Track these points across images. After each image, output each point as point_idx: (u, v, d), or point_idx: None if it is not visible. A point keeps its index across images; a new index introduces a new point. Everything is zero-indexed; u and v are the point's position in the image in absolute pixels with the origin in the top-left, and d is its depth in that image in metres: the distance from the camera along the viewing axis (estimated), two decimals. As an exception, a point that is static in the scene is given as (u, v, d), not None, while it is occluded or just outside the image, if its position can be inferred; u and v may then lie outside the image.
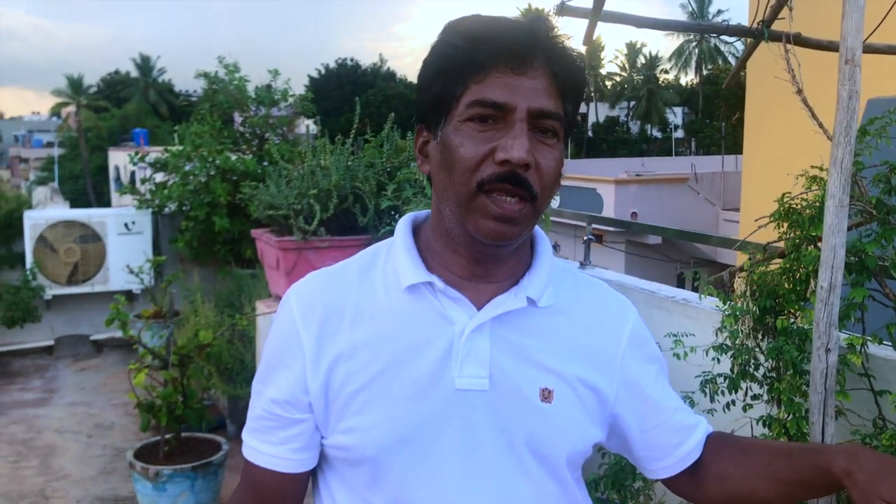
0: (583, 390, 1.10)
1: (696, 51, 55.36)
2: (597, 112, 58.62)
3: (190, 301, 4.62)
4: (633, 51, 59.36)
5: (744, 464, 1.16)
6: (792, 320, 2.39)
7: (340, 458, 1.08)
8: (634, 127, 56.68)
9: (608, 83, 59.62)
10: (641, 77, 57.32)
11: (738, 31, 2.49)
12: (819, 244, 2.37)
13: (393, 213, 3.50)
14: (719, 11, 55.56)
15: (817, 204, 2.34)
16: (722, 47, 54.73)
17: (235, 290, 4.95)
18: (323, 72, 50.68)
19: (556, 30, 1.02)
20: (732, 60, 54.02)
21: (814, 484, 1.07)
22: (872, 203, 2.27)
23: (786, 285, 2.41)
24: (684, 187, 16.44)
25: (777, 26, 2.46)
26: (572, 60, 1.03)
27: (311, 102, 6.31)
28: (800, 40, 2.40)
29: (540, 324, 1.10)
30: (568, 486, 1.11)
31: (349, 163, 3.55)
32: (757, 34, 2.48)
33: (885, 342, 2.42)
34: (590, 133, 54.01)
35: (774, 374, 2.41)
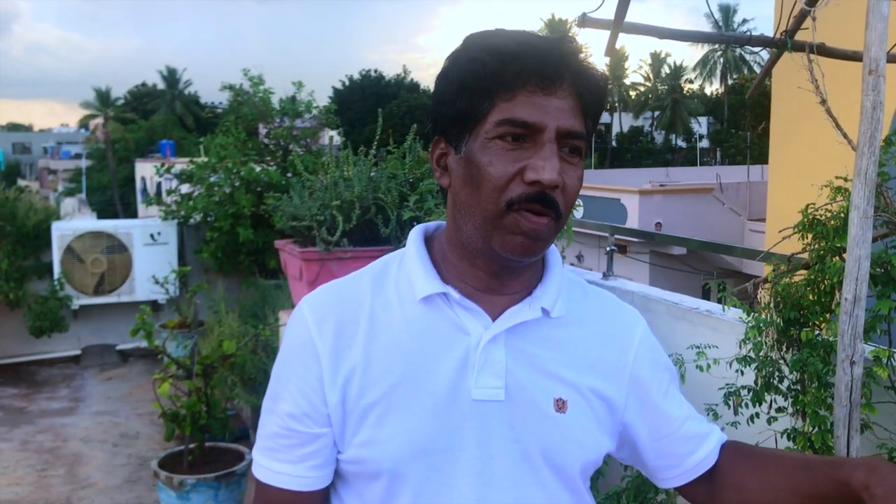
0: (595, 400, 1.11)
1: (721, 60, 55.09)
2: (621, 122, 58.45)
3: (214, 311, 4.66)
4: (657, 60, 59.17)
5: (761, 475, 1.16)
6: (817, 332, 2.37)
7: (356, 472, 1.08)
8: (658, 137, 56.44)
9: (632, 93, 59.45)
10: (666, 87, 57.10)
11: (760, 42, 2.48)
12: (843, 255, 2.35)
13: (414, 224, 3.51)
14: (744, 21, 55.24)
15: (842, 215, 2.32)
16: (747, 56, 54.42)
17: (259, 300, 4.98)
18: (347, 83, 50.99)
19: (582, 49, 1.03)
20: (758, 69, 53.65)
21: (831, 497, 1.06)
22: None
23: (810, 297, 2.39)
24: (709, 197, 16.34)
25: (801, 36, 2.45)
26: (597, 80, 1.04)
27: (335, 114, 6.36)
28: (823, 50, 2.39)
29: (552, 334, 1.11)
30: (581, 495, 1.12)
31: (372, 174, 3.57)
32: (780, 44, 2.47)
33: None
34: (614, 143, 53.86)
35: (799, 387, 2.39)
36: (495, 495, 1.05)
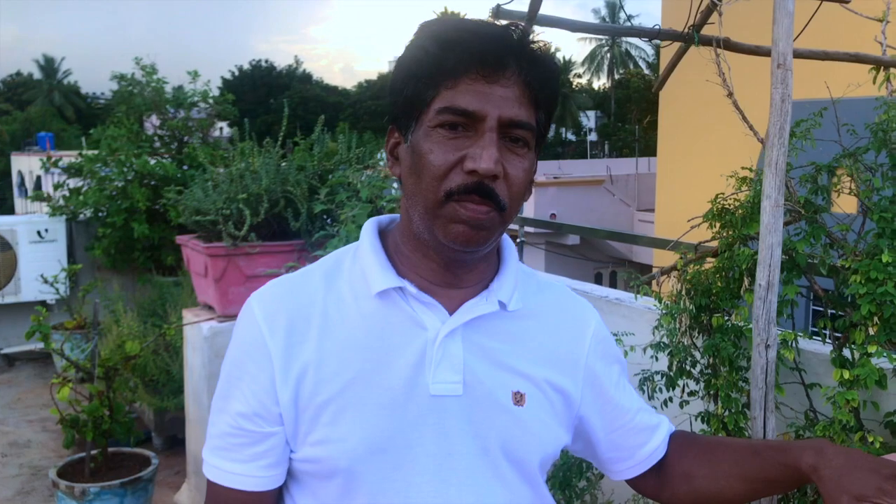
0: (552, 393, 1.10)
1: (609, 55, 56.61)
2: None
3: (111, 311, 4.45)
4: (547, 55, 60.16)
5: (710, 463, 1.17)
6: (727, 318, 2.45)
7: (310, 471, 1.04)
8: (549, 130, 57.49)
9: (523, 87, 60.27)
10: (556, 81, 58.14)
11: (669, 36, 2.54)
12: (750, 243, 2.44)
13: (325, 217, 3.45)
14: (629, 17, 56.93)
15: (749, 204, 2.40)
16: (633, 52, 56.13)
17: (157, 298, 4.79)
18: (237, 74, 49.84)
19: (530, 37, 1.01)
20: (643, 65, 55.47)
21: (781, 480, 1.08)
22: (801, 202, 2.34)
23: (719, 284, 2.47)
24: (601, 189, 16.81)
25: (707, 31, 2.52)
26: (547, 68, 1.01)
27: (232, 105, 6.19)
28: (729, 45, 2.47)
29: (509, 328, 1.09)
30: (539, 489, 1.11)
31: (279, 166, 3.49)
32: (687, 39, 2.54)
33: (814, 337, 2.51)
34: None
35: (711, 371, 2.47)
36: (455, 492, 1.03)
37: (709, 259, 2.61)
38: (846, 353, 2.24)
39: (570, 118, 55.29)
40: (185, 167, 5.67)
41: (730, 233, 2.44)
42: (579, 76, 59.00)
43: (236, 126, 7.36)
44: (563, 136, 56.08)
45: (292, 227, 3.39)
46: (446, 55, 0.97)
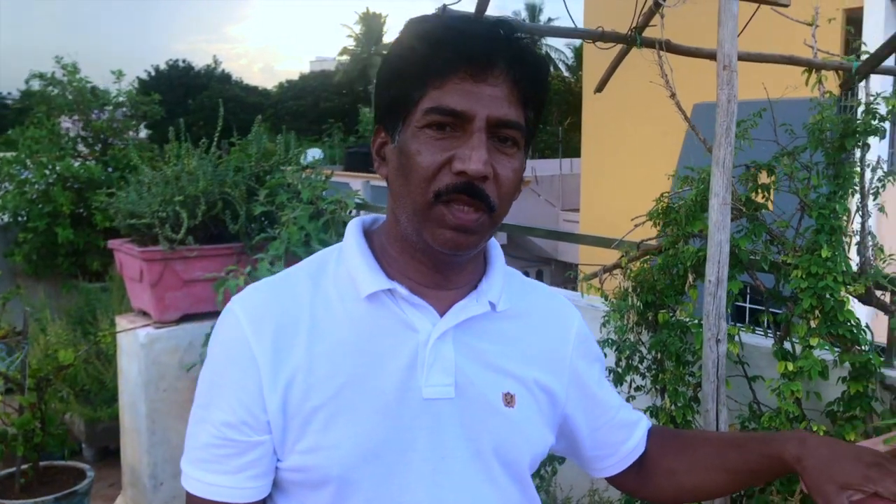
0: (539, 393, 1.10)
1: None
2: (437, 116, 59.37)
3: (36, 319, 4.27)
4: (469, 57, 60.50)
5: (692, 457, 1.19)
6: (672, 314, 2.51)
7: (298, 481, 1.01)
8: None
9: (446, 88, 60.49)
10: (478, 82, 58.47)
11: (612, 38, 2.58)
12: (693, 240, 2.50)
13: (263, 220, 3.39)
14: (549, 20, 57.70)
15: (692, 202, 2.46)
16: (553, 54, 56.85)
17: (85, 305, 4.63)
18: (154, 74, 48.55)
19: (518, 34, 1.00)
20: (563, 67, 56.21)
21: (763, 471, 1.10)
22: (742, 200, 2.41)
23: (664, 281, 2.52)
24: (527, 190, 16.97)
25: (649, 33, 2.57)
26: (535, 66, 1.00)
27: (159, 105, 6.02)
28: (671, 47, 2.52)
29: (498, 328, 1.09)
30: (528, 489, 1.11)
31: (215, 167, 3.41)
32: (630, 41, 2.58)
33: (756, 330, 2.58)
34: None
35: (658, 366, 2.52)
36: (449, 495, 1.01)
37: (646, 257, 2.66)
38: (787, 346, 2.32)
39: (493, 119, 55.65)
40: (109, 169, 5.48)
41: (673, 230, 2.50)
42: (502, 78, 59.41)
43: (153, 128, 7.18)
44: (487, 137, 56.35)
45: (231, 230, 3.32)
46: (434, 54, 0.96)
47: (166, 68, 49.65)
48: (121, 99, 5.77)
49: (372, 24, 56.58)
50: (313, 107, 49.23)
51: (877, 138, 2.26)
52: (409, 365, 1.01)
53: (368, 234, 1.10)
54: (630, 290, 2.59)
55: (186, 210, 3.21)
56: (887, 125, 2.26)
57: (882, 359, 2.16)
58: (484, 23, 1.01)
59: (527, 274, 1.25)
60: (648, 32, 2.62)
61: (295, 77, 59.19)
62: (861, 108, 2.29)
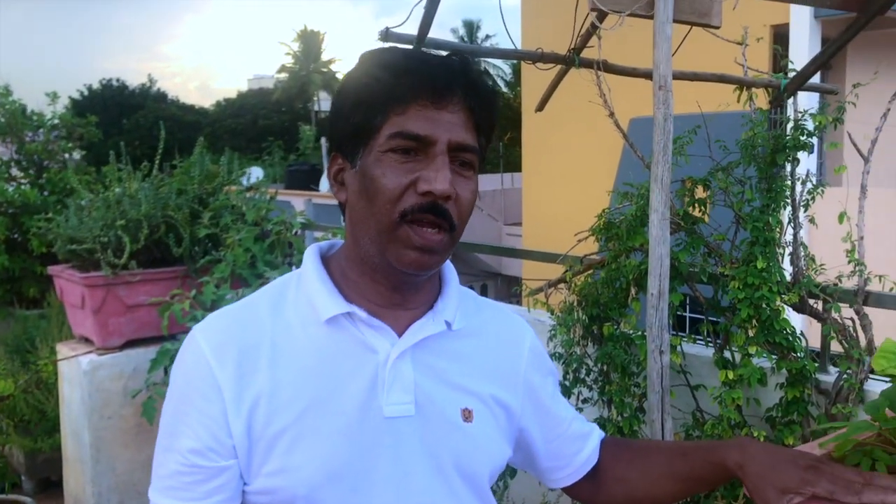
0: (496, 408, 1.13)
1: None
2: (376, 133, 59.36)
3: (-31, 348, 4.14)
4: (408, 73, 60.67)
5: (641, 466, 1.23)
6: (616, 326, 2.57)
7: (266, 503, 1.02)
8: (414, 147, 57.83)
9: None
10: (418, 99, 58.65)
11: (551, 59, 2.65)
12: (633, 254, 2.57)
13: (207, 242, 3.36)
14: (487, 36, 58.26)
15: (632, 217, 2.53)
16: (492, 70, 57.38)
17: (22, 333, 4.51)
18: (86, 94, 47.53)
19: (472, 66, 1.05)
20: (501, 83, 56.77)
21: (709, 478, 1.15)
22: (680, 215, 2.49)
23: (608, 294, 2.58)
24: (469, 204, 17.07)
25: (587, 54, 2.64)
26: (488, 95, 1.05)
27: (96, 127, 5.91)
28: (608, 67, 2.59)
29: (454, 347, 1.12)
30: (487, 501, 1.14)
31: (157, 190, 3.37)
32: (569, 61, 2.65)
33: (697, 340, 2.66)
34: (371, 154, 54.63)
35: (604, 378, 2.57)
36: None
37: (589, 271, 2.72)
38: (727, 354, 2.40)
39: (433, 135, 55.87)
40: (45, 193, 5.36)
41: (615, 245, 2.56)
42: (441, 94, 59.71)
43: (88, 150, 7.03)
44: (428, 153, 56.54)
45: (175, 253, 3.28)
46: (397, 82, 1.00)
47: (99, 88, 48.70)
48: (55, 121, 5.65)
49: (310, 41, 56.42)
50: (252, 125, 48.76)
51: (805, 153, 2.36)
52: (370, 385, 1.03)
53: (326, 259, 1.12)
54: (575, 303, 2.64)
55: (129, 234, 3.16)
56: (815, 140, 2.36)
57: (816, 364, 2.25)
58: (440, 55, 1.05)
59: (472, 288, 1.29)
60: (586, 52, 2.70)
61: (232, 95, 58.48)
62: (790, 125, 2.39)
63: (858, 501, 0.96)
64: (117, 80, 49.70)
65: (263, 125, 48.09)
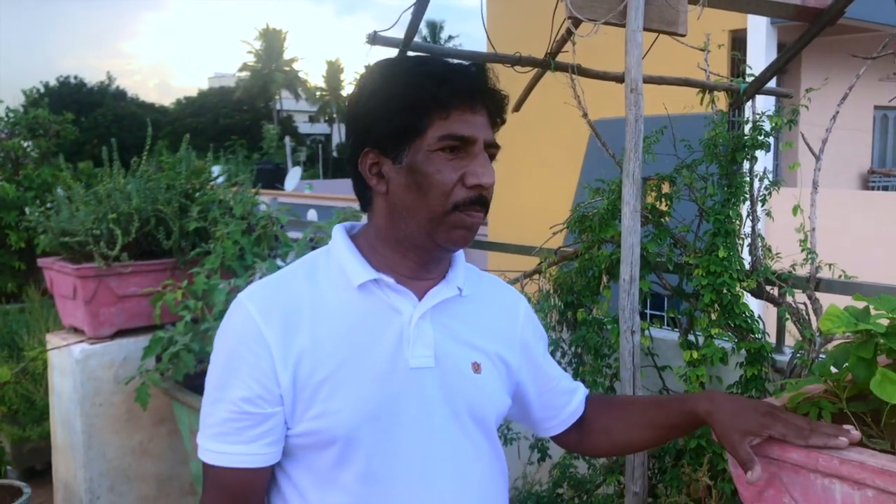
0: (499, 363, 1.32)
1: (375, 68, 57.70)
2: (340, 132, 59.33)
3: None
4: (371, 73, 60.60)
5: (622, 417, 1.44)
6: (589, 312, 2.76)
7: (307, 444, 1.19)
8: (377, 147, 57.78)
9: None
10: (381, 98, 58.62)
11: (529, 62, 2.82)
12: (604, 246, 2.76)
13: (196, 236, 3.48)
14: (450, 37, 58.55)
15: (604, 211, 2.72)
16: (454, 71, 57.50)
17: (3, 326, 4.57)
18: (43, 91, 46.79)
19: (489, 73, 1.23)
20: (464, 83, 56.85)
21: (681, 426, 1.35)
22: (648, 208, 2.68)
23: (581, 282, 2.77)
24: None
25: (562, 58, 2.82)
26: (502, 99, 1.25)
27: (73, 124, 5.98)
28: (581, 71, 2.78)
29: (464, 309, 1.30)
30: (495, 443, 1.33)
31: (146, 185, 3.48)
32: (545, 65, 2.83)
33: (663, 326, 2.86)
34: (335, 153, 54.54)
35: (577, 360, 2.76)
36: (434, 449, 1.22)
37: (563, 261, 2.91)
38: (691, 337, 2.60)
39: (396, 135, 55.91)
40: (22, 189, 5.42)
41: (588, 237, 2.75)
42: (404, 94, 59.77)
43: (60, 147, 7.05)
44: (390, 152, 56.50)
45: (164, 246, 3.40)
46: (440, 90, 1.18)
47: (57, 85, 48.00)
48: (29, 118, 5.71)
49: (272, 39, 56.15)
50: (213, 123, 48.42)
51: (763, 151, 2.56)
52: (397, 341, 1.21)
53: (351, 236, 1.30)
54: (551, 291, 2.83)
55: (120, 227, 3.28)
56: (771, 140, 2.57)
57: (773, 345, 2.46)
58: (465, 64, 1.24)
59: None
60: (559, 56, 2.87)
61: (192, 93, 57.97)
62: (749, 126, 2.60)
63: (806, 444, 1.15)
64: (75, 78, 49.06)
65: (225, 124, 47.80)
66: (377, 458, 1.18)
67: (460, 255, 1.34)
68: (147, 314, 3.43)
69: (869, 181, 13.74)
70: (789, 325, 2.52)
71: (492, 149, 1.23)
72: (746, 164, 2.60)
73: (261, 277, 3.17)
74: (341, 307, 1.22)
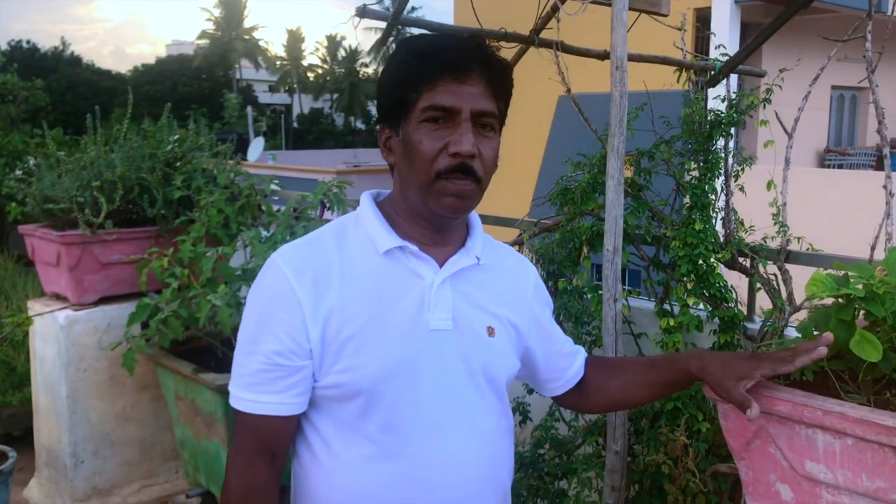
0: (510, 328, 1.41)
1: (395, 46, 57.40)
2: (300, 103, 58.75)
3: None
4: (333, 43, 60.21)
5: (618, 377, 1.55)
6: (569, 282, 2.86)
7: (332, 395, 1.28)
8: (339, 119, 57.60)
9: (310, 75, 59.94)
10: (343, 70, 58.34)
11: (515, 38, 2.90)
12: (585, 218, 2.86)
13: (178, 205, 3.51)
14: (413, 9, 58.11)
15: (585, 185, 2.81)
16: (416, 43, 57.17)
17: (-26, 293, 4.55)
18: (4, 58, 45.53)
19: (486, 45, 1.30)
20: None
21: (674, 383, 1.46)
22: (628, 182, 2.78)
23: (562, 253, 2.87)
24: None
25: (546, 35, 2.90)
26: (501, 68, 1.32)
27: (43, 91, 5.92)
28: (565, 48, 2.86)
29: (480, 277, 1.39)
30: (505, 402, 1.43)
31: (129, 153, 3.50)
32: (530, 41, 2.91)
33: (640, 295, 2.98)
34: (295, 124, 54.04)
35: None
36: (451, 404, 1.31)
37: (544, 233, 3.01)
38: (666, 307, 2.72)
39: (358, 107, 55.73)
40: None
41: (570, 209, 2.85)
42: (366, 66, 59.52)
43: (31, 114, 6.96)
44: (353, 124, 56.37)
45: (149, 214, 3.43)
46: (425, 64, 1.26)
47: (8, 49, 46.74)
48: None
49: (232, 7, 55.19)
50: (171, 92, 47.56)
51: (738, 129, 2.68)
52: (418, 304, 1.30)
53: (377, 203, 1.37)
54: (533, 261, 2.93)
55: (104, 195, 3.30)
56: (746, 118, 2.68)
57: (744, 314, 2.59)
58: (461, 38, 1.30)
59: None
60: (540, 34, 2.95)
61: (149, 61, 56.85)
62: (725, 103, 2.71)
63: (794, 367, 1.27)
64: (27, 42, 47.81)
65: (183, 92, 47.02)
66: (397, 411, 1.27)
67: (478, 224, 1.42)
68: (130, 281, 3.47)
69: (825, 159, 14.08)
70: (759, 295, 2.65)
71: (484, 118, 1.28)
72: (721, 141, 2.71)
73: (244, 246, 3.24)
74: (368, 270, 1.30)
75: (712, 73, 3.00)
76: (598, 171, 2.79)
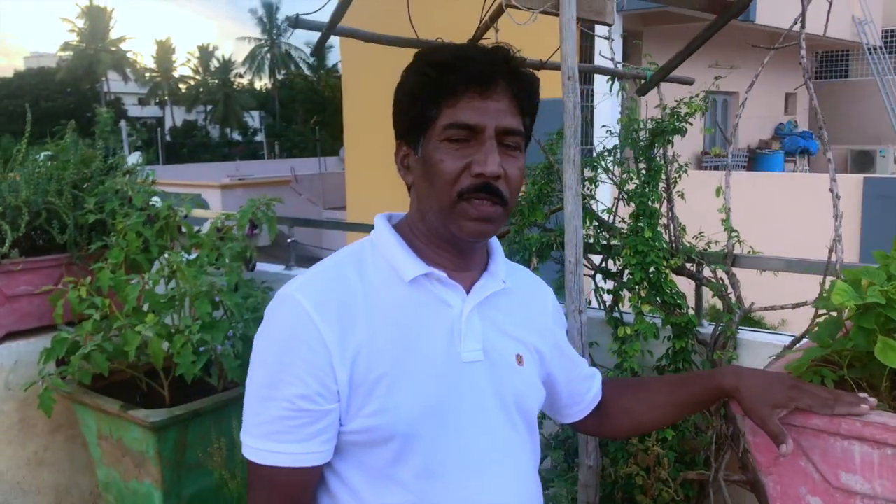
0: (535, 355, 1.34)
1: (269, 56, 56.52)
2: (173, 116, 56.85)
3: None
4: (205, 54, 58.58)
5: (645, 397, 1.48)
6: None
7: (361, 441, 1.16)
8: (214, 131, 56.01)
9: (182, 86, 58.09)
10: (217, 81, 56.81)
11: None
12: (532, 229, 2.83)
13: (92, 231, 3.26)
14: (287, 18, 57.26)
15: (532, 196, 2.78)
16: (293, 53, 56.58)
17: None
18: None
19: (512, 56, 1.22)
20: (304, 66, 56.17)
21: (706, 401, 1.41)
22: (574, 192, 2.77)
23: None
24: (287, 189, 16.96)
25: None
26: (528, 82, 1.23)
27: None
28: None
29: (506, 302, 1.31)
30: (535, 433, 1.35)
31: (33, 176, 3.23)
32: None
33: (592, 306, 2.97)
34: (168, 137, 52.17)
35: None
36: (489, 443, 1.22)
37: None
38: (616, 315, 2.72)
39: (234, 118, 54.39)
40: None
41: (518, 220, 2.81)
42: (241, 76, 58.22)
43: None
44: (229, 136, 54.94)
45: (59, 241, 3.17)
46: (447, 78, 1.17)
47: None
48: None
49: (97, 18, 52.92)
50: (34, 106, 44.79)
51: (679, 136, 2.71)
52: (448, 335, 1.21)
53: (394, 226, 1.27)
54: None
55: (7, 222, 3.03)
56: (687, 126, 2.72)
57: (697, 319, 2.61)
58: (484, 49, 1.22)
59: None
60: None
61: (8, 74, 53.71)
62: (665, 111, 2.74)
63: (832, 413, 1.24)
64: None
65: (46, 107, 44.61)
66: (435, 454, 1.18)
67: (498, 246, 1.34)
68: (39, 314, 3.19)
69: (702, 161, 14.72)
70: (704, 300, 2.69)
71: (509, 136, 1.20)
72: (660, 150, 2.73)
73: (169, 271, 3.03)
74: (393, 301, 1.20)
75: (643, 81, 3.03)
76: (544, 181, 2.77)
